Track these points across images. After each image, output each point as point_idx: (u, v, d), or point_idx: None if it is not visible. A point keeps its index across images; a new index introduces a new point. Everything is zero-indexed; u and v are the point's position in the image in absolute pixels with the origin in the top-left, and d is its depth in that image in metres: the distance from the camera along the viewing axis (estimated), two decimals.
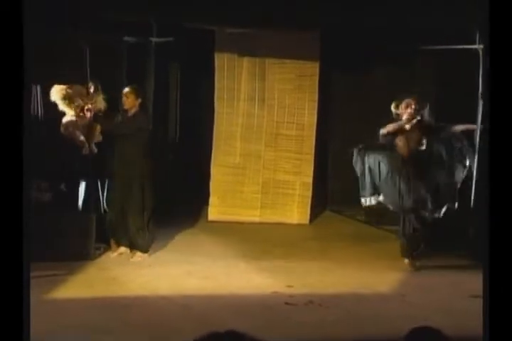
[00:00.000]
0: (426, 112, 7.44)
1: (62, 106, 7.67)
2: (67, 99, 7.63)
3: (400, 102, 7.42)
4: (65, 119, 7.72)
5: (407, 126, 7.38)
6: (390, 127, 7.41)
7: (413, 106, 7.38)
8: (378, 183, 7.54)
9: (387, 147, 7.50)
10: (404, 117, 7.40)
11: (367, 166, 7.56)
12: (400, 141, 7.45)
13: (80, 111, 7.64)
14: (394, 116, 7.45)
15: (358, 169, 7.63)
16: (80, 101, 7.63)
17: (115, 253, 7.71)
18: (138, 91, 7.62)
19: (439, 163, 7.45)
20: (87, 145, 7.62)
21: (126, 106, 7.58)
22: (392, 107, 7.45)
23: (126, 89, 7.57)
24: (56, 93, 7.67)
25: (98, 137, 7.69)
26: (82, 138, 7.66)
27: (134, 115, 7.59)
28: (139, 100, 7.58)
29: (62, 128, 7.72)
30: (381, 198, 7.58)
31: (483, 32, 3.46)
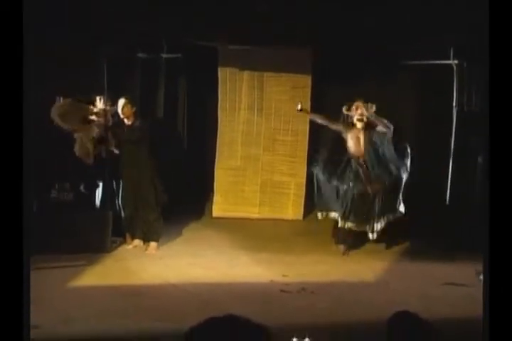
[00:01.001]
0: (373, 114, 7.49)
1: (60, 124, 7.46)
2: (64, 115, 7.48)
3: (351, 105, 7.52)
4: (76, 144, 7.58)
5: (359, 125, 7.49)
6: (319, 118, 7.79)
7: (362, 108, 7.45)
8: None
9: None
10: (355, 118, 7.50)
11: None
12: (351, 140, 7.56)
13: (84, 123, 7.57)
14: (344, 117, 7.59)
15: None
16: (81, 116, 7.54)
17: (130, 246, 7.71)
18: (132, 101, 7.62)
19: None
20: (103, 149, 7.59)
21: (124, 116, 7.57)
22: (344, 110, 7.57)
23: (123, 100, 7.55)
24: (54, 111, 7.53)
25: (112, 142, 7.67)
26: (95, 151, 7.58)
27: (134, 123, 7.59)
28: (134, 109, 7.59)
29: (79, 152, 7.59)
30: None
31: (484, 49, 3.41)
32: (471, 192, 7.36)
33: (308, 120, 8.91)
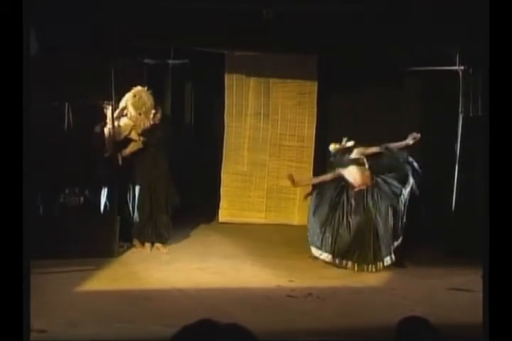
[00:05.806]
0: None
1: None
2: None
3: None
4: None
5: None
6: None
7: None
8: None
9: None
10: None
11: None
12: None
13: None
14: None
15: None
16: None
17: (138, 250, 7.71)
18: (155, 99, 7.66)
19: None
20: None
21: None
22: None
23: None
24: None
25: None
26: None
27: (155, 124, 7.59)
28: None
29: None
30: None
31: (484, 55, 3.40)
32: (478, 198, 7.32)
33: (314, 126, 8.93)
